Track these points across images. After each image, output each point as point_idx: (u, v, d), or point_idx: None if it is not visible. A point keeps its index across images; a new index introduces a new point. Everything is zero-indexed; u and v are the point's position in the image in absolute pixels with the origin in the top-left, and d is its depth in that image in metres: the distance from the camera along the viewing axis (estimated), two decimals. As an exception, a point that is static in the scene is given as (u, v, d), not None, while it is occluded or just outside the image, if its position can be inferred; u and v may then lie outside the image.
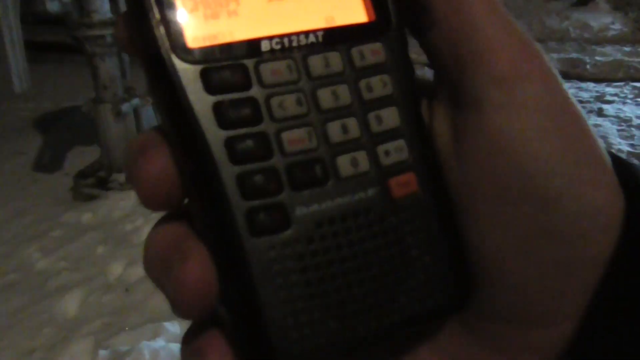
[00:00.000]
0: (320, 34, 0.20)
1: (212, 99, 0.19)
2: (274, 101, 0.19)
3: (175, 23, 0.19)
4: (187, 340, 0.20)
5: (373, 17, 0.21)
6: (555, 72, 0.20)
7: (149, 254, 0.20)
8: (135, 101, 2.26)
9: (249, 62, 0.19)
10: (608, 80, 3.34)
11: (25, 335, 1.50)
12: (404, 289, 0.20)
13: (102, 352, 1.35)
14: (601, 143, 0.20)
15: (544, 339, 0.20)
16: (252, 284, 0.18)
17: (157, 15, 0.18)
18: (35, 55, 3.71)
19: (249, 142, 0.19)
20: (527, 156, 0.19)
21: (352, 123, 0.20)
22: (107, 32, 2.10)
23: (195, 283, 0.18)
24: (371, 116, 0.20)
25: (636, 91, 3.17)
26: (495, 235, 0.20)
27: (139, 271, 1.69)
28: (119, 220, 1.99)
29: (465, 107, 0.20)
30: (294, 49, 0.19)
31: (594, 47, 4.01)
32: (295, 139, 0.19)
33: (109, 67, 2.17)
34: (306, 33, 0.20)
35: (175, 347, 1.36)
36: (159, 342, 1.37)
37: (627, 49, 3.96)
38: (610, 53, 3.82)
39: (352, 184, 0.20)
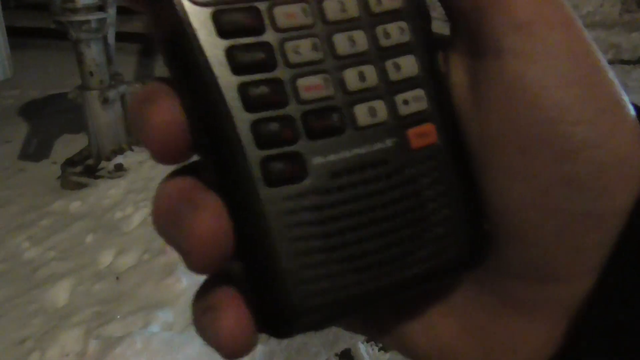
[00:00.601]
0: None
1: (224, 43, 0.18)
2: (289, 46, 0.18)
3: None
4: (200, 297, 0.20)
5: None
6: (577, 19, 0.19)
7: (158, 208, 0.19)
8: (122, 87, 2.23)
9: (262, 5, 0.18)
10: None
11: (15, 325, 1.49)
12: (421, 242, 0.19)
13: (93, 341, 1.35)
14: (624, 93, 0.20)
15: (562, 295, 0.20)
16: (268, 236, 0.18)
17: None
18: (19, 41, 3.65)
19: (264, 89, 0.18)
20: (548, 104, 0.19)
21: (369, 71, 0.19)
22: (93, 17, 2.06)
23: (208, 232, 0.18)
24: (389, 64, 0.20)
25: (625, 73, 3.19)
26: (515, 187, 0.19)
27: (129, 259, 1.69)
28: (109, 209, 1.97)
29: (483, 55, 0.20)
30: None
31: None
32: (311, 85, 0.18)
33: (94, 53, 2.13)
34: None
35: (168, 334, 1.36)
36: (151, 330, 1.37)
37: (615, 30, 3.97)
38: (599, 35, 3.83)
39: (369, 134, 0.19)
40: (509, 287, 0.21)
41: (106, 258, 1.72)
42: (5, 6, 2.25)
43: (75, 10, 2.04)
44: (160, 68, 3.54)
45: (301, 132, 0.18)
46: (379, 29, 0.19)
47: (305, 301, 0.18)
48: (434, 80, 0.20)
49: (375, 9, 0.19)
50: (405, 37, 0.20)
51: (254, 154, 0.18)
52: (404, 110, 0.19)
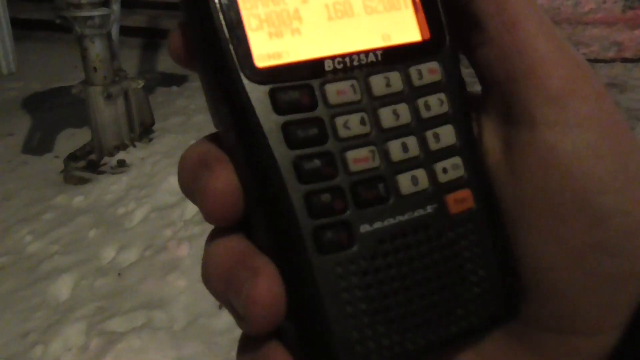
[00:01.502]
0: (379, 53, 0.21)
1: (281, 119, 0.19)
2: (339, 121, 0.20)
3: (243, 42, 0.19)
4: (246, 349, 0.20)
5: (428, 36, 0.22)
6: (606, 90, 0.21)
7: (212, 269, 0.20)
8: (126, 83, 2.24)
9: (315, 82, 0.20)
10: (599, 60, 3.35)
11: (18, 319, 1.51)
12: (460, 302, 0.21)
13: (96, 336, 1.37)
14: None
15: (589, 348, 0.21)
16: (320, 300, 0.19)
17: (227, 33, 0.19)
18: (22, 33, 3.64)
19: (316, 162, 0.19)
20: (580, 174, 0.20)
21: (411, 141, 0.21)
22: (97, 13, 2.07)
23: (266, 299, 0.19)
24: (429, 134, 0.21)
25: (627, 71, 3.18)
26: (548, 248, 0.21)
27: (131, 255, 1.70)
28: (111, 204, 1.98)
29: (517, 124, 0.21)
30: (355, 68, 0.20)
31: (584, 26, 4.01)
32: (359, 158, 0.20)
33: (98, 49, 2.14)
34: (366, 52, 0.20)
35: (170, 331, 1.38)
36: (153, 326, 1.39)
37: (617, 27, 3.96)
38: (601, 33, 3.81)
39: (412, 201, 0.20)
40: (538, 339, 0.22)
41: (108, 253, 1.73)
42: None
43: (79, 6, 2.04)
44: (164, 64, 3.54)
45: (350, 202, 0.20)
46: (420, 102, 0.21)
47: None
48: (470, 147, 0.22)
49: (417, 82, 0.21)
50: (444, 108, 0.21)
51: (307, 223, 0.19)
52: (443, 177, 0.21)
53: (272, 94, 0.19)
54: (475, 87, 0.23)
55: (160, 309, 1.45)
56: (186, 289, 1.51)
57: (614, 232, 0.20)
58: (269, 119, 0.19)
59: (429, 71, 0.21)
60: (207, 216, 0.20)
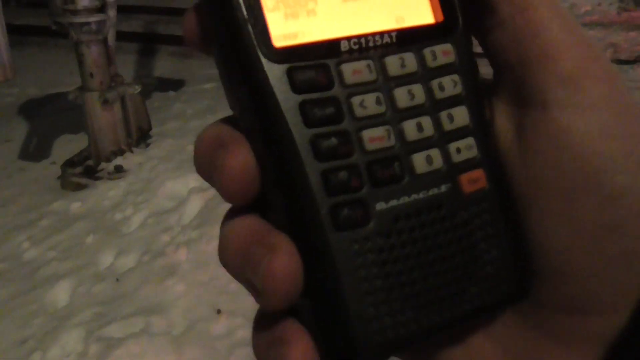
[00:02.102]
0: (394, 34, 0.21)
1: (298, 98, 0.19)
2: (355, 100, 0.20)
3: (261, 22, 0.19)
4: (263, 329, 0.21)
5: (441, 18, 0.22)
6: (617, 72, 0.21)
7: (229, 247, 0.20)
8: (122, 89, 2.24)
9: (331, 62, 0.20)
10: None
11: (16, 325, 1.51)
12: (473, 280, 0.21)
13: (94, 343, 1.36)
14: None
15: (599, 327, 0.21)
16: (337, 277, 0.19)
17: (245, 14, 0.19)
18: (18, 39, 3.64)
19: (333, 140, 0.19)
20: (592, 154, 0.20)
21: (426, 122, 0.21)
22: (93, 19, 2.07)
23: (285, 275, 0.19)
24: (443, 115, 0.21)
25: (622, 72, 3.20)
26: (560, 229, 0.21)
27: (129, 261, 1.70)
28: (108, 210, 1.98)
29: (530, 106, 0.21)
30: (370, 49, 0.20)
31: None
32: (375, 137, 0.20)
33: (95, 54, 2.14)
34: (381, 34, 0.21)
35: (168, 336, 1.37)
36: (151, 332, 1.39)
37: (613, 29, 3.98)
38: (597, 35, 3.84)
39: (426, 180, 0.21)
40: (549, 319, 0.22)
41: (106, 259, 1.73)
42: (4, 4, 2.24)
43: (75, 12, 2.05)
44: (161, 69, 3.55)
45: (365, 180, 0.20)
46: (435, 82, 0.21)
47: (369, 337, 0.19)
48: (482, 128, 0.22)
49: (431, 63, 0.21)
50: (458, 89, 0.21)
51: (324, 201, 0.19)
52: (456, 157, 0.21)
53: (290, 73, 0.19)
54: (486, 71, 0.24)
55: (158, 314, 1.45)
56: (184, 294, 1.51)
57: (625, 212, 0.20)
58: (286, 98, 0.19)
59: (442, 53, 0.21)
60: (225, 194, 0.20)
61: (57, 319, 1.50)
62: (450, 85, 0.21)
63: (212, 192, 1.77)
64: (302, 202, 0.19)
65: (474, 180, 0.21)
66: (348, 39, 0.20)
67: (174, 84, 3.17)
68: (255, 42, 0.19)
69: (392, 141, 0.20)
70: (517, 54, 0.21)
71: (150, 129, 2.44)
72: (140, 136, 2.36)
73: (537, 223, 0.21)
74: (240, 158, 0.20)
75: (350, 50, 0.20)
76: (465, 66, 0.22)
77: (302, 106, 0.19)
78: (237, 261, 0.20)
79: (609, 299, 0.21)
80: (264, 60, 0.19)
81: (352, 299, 0.19)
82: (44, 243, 1.86)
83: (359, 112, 0.20)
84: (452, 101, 0.21)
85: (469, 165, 0.21)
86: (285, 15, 0.20)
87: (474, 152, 0.21)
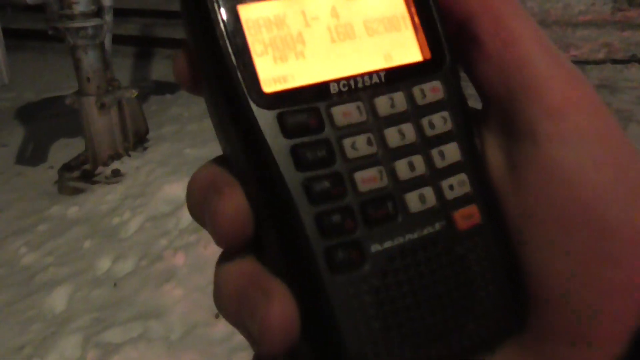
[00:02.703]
0: (382, 74, 0.21)
1: (289, 143, 0.20)
2: (346, 142, 0.20)
3: (250, 67, 0.19)
4: None
5: (429, 55, 0.22)
6: (602, 102, 0.21)
7: (224, 292, 0.20)
8: (119, 93, 2.24)
9: (321, 105, 0.20)
10: (589, 61, 3.38)
11: (13, 332, 1.50)
12: (471, 315, 0.21)
13: (93, 348, 1.36)
14: None
15: (599, 358, 0.21)
16: (334, 320, 0.19)
17: (233, 59, 0.19)
18: (15, 43, 3.64)
19: (326, 183, 0.20)
20: (584, 186, 0.20)
21: (418, 160, 0.21)
22: (90, 23, 2.07)
23: (281, 322, 0.19)
24: (435, 152, 0.21)
25: (617, 72, 3.21)
26: (556, 261, 0.21)
27: (127, 266, 1.70)
28: (106, 214, 1.98)
29: (519, 138, 0.21)
30: (359, 90, 0.21)
31: (574, 28, 4.05)
32: (368, 178, 0.20)
33: (91, 59, 2.14)
34: (370, 74, 0.21)
35: (166, 341, 1.37)
36: (150, 337, 1.39)
37: (607, 29, 3.99)
38: (591, 35, 3.85)
39: (420, 219, 0.21)
40: (548, 350, 0.22)
41: (104, 264, 1.72)
42: (0, 9, 2.24)
43: (72, 17, 2.05)
44: (157, 72, 3.54)
45: (360, 221, 0.20)
46: (425, 120, 0.21)
47: None
48: (474, 163, 0.22)
49: (421, 101, 0.21)
50: (448, 126, 0.22)
51: (318, 244, 0.19)
52: (450, 194, 0.21)
53: (280, 118, 0.19)
54: (475, 104, 0.24)
55: (156, 319, 1.45)
56: (182, 299, 1.51)
57: (621, 244, 0.20)
58: (277, 143, 0.19)
59: (431, 90, 0.22)
60: (219, 240, 0.20)
61: (54, 325, 1.50)
62: (440, 122, 0.22)
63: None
64: (296, 245, 0.19)
65: (468, 217, 0.21)
66: (337, 81, 0.20)
67: (170, 87, 3.17)
68: (244, 89, 0.19)
69: (384, 181, 0.20)
70: (505, 87, 0.21)
71: (147, 132, 2.43)
72: (138, 140, 2.36)
73: (533, 255, 0.21)
74: (234, 203, 0.20)
75: (340, 92, 0.20)
76: (454, 102, 0.22)
77: (294, 150, 0.19)
78: (232, 307, 0.20)
79: (606, 329, 0.21)
80: (254, 107, 0.19)
81: (350, 341, 0.19)
82: (41, 248, 1.85)
83: (351, 153, 0.20)
84: (443, 138, 0.22)
85: (462, 201, 0.21)
86: (274, 58, 0.20)
87: (466, 188, 0.22)
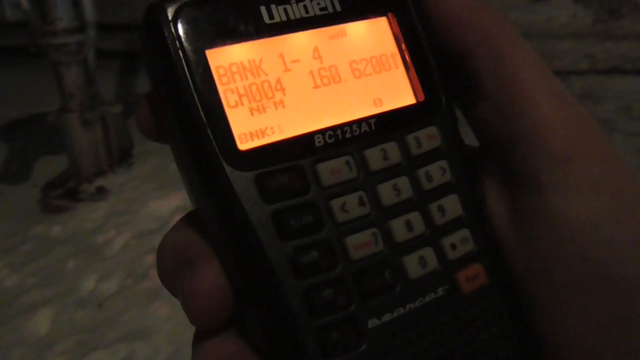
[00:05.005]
0: (372, 121, 0.19)
1: (270, 209, 0.17)
2: (335, 204, 0.18)
3: (222, 122, 0.17)
4: None
5: (422, 97, 0.20)
6: (615, 148, 0.19)
7: None
8: (103, 109, 2.22)
9: (305, 162, 0.18)
10: (572, 72, 3.42)
11: (-5, 356, 1.46)
12: None
13: (77, 372, 1.33)
14: None
15: None
16: None
17: (202, 115, 0.16)
18: (-3, 60, 3.59)
19: (314, 254, 0.17)
20: (598, 242, 0.18)
21: (415, 218, 0.19)
22: (72, 39, 2.05)
23: None
24: (433, 207, 0.19)
25: (599, 83, 3.25)
26: (570, 322, 0.19)
27: (111, 285, 1.67)
28: (90, 233, 1.94)
29: (522, 187, 0.19)
30: (348, 141, 0.18)
31: (556, 39, 4.10)
32: (360, 243, 0.18)
33: (74, 75, 2.12)
34: (358, 122, 0.19)
35: (152, 363, 1.34)
36: (136, 358, 1.36)
37: (589, 40, 4.05)
38: (574, 46, 3.90)
39: (421, 285, 0.19)
40: None
41: (88, 284, 1.69)
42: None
43: (54, 33, 2.03)
44: (143, 87, 3.52)
45: (354, 294, 0.18)
46: (421, 172, 0.19)
47: None
48: (477, 216, 0.20)
49: (416, 151, 0.19)
50: (447, 177, 0.20)
51: (309, 325, 0.17)
52: (452, 254, 0.19)
53: (259, 181, 0.17)
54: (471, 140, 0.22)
55: (142, 340, 1.42)
56: (169, 318, 1.48)
57: (639, 305, 0.19)
58: (257, 210, 0.17)
59: (427, 137, 0.19)
60: (194, 321, 0.18)
61: (38, 349, 1.46)
62: (438, 173, 0.19)
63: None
64: (283, 326, 0.17)
65: (473, 277, 0.20)
66: (322, 131, 0.18)
67: (156, 102, 3.14)
68: (216, 148, 0.17)
69: (379, 246, 0.18)
70: (505, 130, 0.19)
71: (132, 148, 2.41)
72: (122, 156, 2.33)
73: (545, 315, 0.20)
74: (209, 280, 0.17)
75: (326, 145, 0.18)
76: (452, 149, 0.20)
77: (276, 217, 0.17)
78: None
79: None
80: (227, 169, 0.17)
81: None
82: (24, 269, 1.81)
83: (341, 216, 0.18)
84: (442, 190, 0.20)
85: (466, 260, 0.20)
86: (250, 110, 0.17)
87: (470, 246, 0.20)
